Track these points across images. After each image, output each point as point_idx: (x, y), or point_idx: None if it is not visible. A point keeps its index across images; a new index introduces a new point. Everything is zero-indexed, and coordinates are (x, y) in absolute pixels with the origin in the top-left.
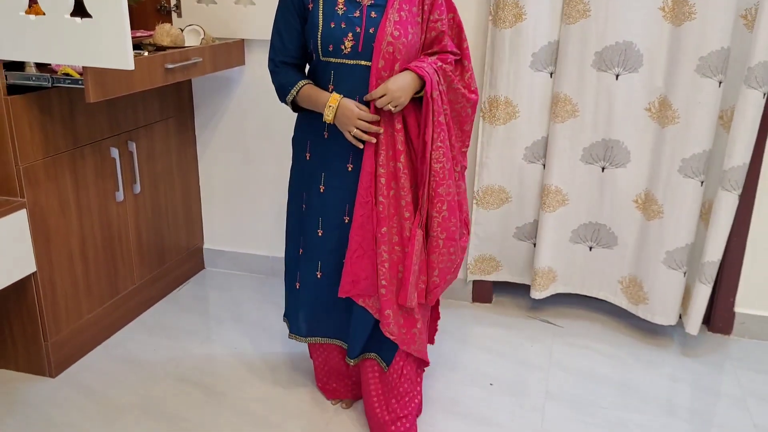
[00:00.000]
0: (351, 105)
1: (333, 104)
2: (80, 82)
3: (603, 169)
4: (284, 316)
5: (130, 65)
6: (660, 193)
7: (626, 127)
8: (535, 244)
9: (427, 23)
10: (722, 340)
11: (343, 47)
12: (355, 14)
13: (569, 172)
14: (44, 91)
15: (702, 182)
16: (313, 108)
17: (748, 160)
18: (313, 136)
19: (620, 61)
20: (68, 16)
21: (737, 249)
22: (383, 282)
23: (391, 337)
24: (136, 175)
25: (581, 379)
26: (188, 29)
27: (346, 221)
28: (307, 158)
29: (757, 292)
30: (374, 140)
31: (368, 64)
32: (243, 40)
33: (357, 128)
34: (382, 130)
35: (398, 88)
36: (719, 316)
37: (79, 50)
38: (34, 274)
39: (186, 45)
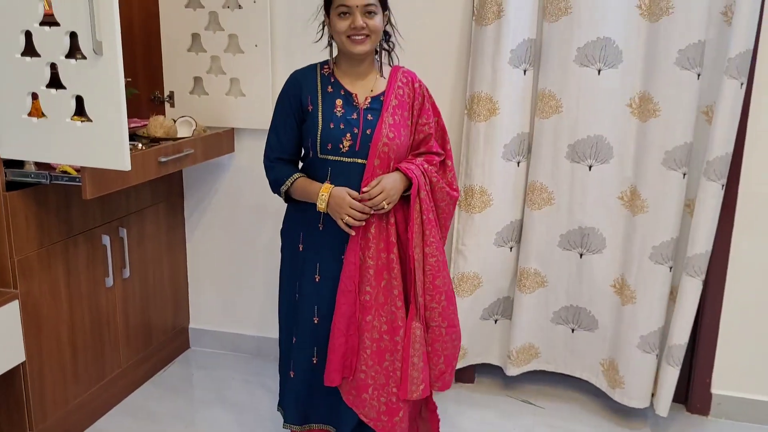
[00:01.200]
0: (343, 193)
1: (325, 193)
2: (77, 179)
3: (581, 255)
4: (279, 405)
5: (128, 167)
6: (632, 278)
7: (600, 215)
8: (496, 321)
9: (415, 126)
10: (700, 421)
11: (341, 146)
12: (352, 116)
13: (548, 257)
14: (42, 186)
15: (671, 268)
16: (306, 199)
17: (710, 247)
18: (307, 228)
19: (592, 153)
20: (68, 120)
21: (711, 331)
22: (363, 367)
23: (365, 420)
24: (126, 260)
25: None
26: (181, 120)
27: None
28: (301, 249)
29: (731, 373)
30: (353, 233)
31: (364, 162)
32: (233, 128)
33: (349, 215)
34: (365, 221)
35: (392, 186)
36: (696, 397)
37: (79, 151)
38: (22, 363)
39: (179, 136)
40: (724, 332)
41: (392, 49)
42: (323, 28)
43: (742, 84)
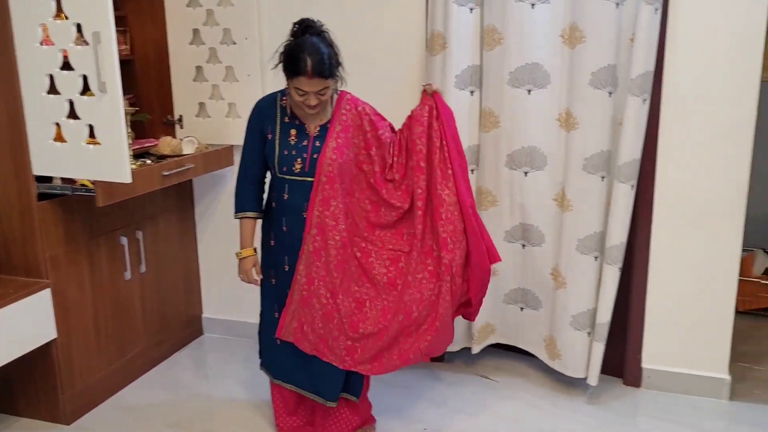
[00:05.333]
0: (249, 265)
1: (242, 255)
2: (93, 191)
3: (523, 246)
4: (262, 365)
5: (128, 179)
6: (563, 266)
7: (537, 214)
8: None
9: (377, 138)
10: (633, 392)
11: (294, 168)
12: (303, 143)
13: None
14: (67, 197)
15: (596, 258)
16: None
17: (625, 239)
18: (276, 228)
19: (527, 161)
20: (84, 143)
21: (639, 312)
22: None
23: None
24: (142, 258)
25: (506, 424)
26: (185, 140)
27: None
28: (272, 244)
29: (659, 349)
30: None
31: (313, 180)
32: (232, 145)
33: (244, 278)
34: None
35: None
36: (629, 371)
37: (92, 168)
38: (54, 340)
39: (183, 153)
40: (650, 313)
41: (341, 85)
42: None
43: (644, 100)
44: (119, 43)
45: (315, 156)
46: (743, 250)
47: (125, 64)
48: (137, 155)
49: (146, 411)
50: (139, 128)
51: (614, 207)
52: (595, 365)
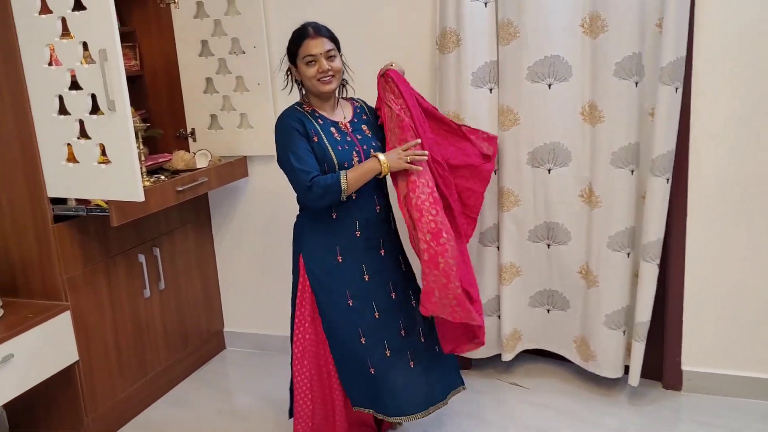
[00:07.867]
0: (392, 151)
1: (384, 164)
2: (107, 210)
3: (548, 246)
4: (356, 406)
5: (141, 198)
6: (594, 265)
7: (562, 212)
8: (500, 316)
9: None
10: (674, 396)
11: (353, 162)
12: (347, 138)
13: (519, 250)
14: (82, 217)
15: (629, 254)
16: (366, 179)
17: (662, 235)
18: (343, 240)
19: (550, 158)
20: (95, 163)
21: (676, 312)
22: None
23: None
24: (160, 274)
25: None
26: (199, 153)
27: (393, 297)
28: (340, 261)
29: (699, 350)
30: (421, 168)
31: None
32: (245, 156)
33: (408, 158)
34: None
35: None
36: (669, 373)
37: (104, 188)
38: (76, 362)
39: (197, 167)
40: (688, 313)
41: (346, 84)
42: (288, 77)
43: (676, 89)
44: (129, 58)
45: (365, 147)
46: None
47: (136, 79)
48: (151, 171)
49: (171, 430)
50: (152, 144)
51: (649, 202)
52: (635, 366)
